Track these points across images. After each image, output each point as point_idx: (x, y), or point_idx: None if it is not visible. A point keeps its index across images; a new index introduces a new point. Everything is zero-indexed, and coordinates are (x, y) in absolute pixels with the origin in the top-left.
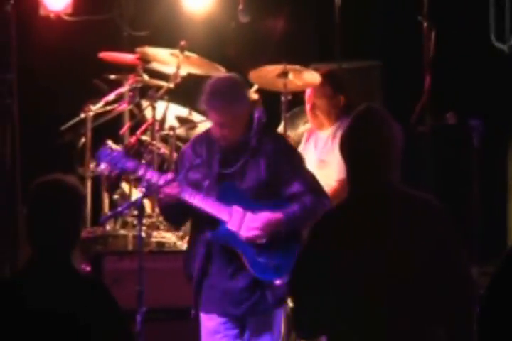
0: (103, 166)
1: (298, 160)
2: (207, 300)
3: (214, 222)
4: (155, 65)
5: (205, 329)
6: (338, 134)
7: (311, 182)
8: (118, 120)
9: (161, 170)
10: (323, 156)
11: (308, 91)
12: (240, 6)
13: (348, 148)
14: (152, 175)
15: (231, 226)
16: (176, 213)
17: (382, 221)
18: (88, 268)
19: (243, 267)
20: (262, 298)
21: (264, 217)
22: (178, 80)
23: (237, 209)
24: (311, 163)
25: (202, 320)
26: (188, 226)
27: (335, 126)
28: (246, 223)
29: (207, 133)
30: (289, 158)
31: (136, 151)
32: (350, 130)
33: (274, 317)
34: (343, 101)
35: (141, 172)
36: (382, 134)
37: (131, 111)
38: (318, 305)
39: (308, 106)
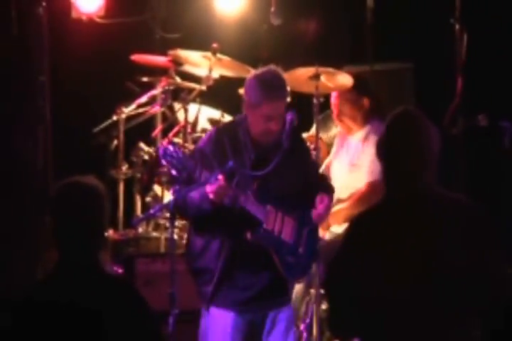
0: (164, 163)
1: (318, 166)
2: (225, 296)
3: (250, 222)
4: (187, 68)
5: (218, 324)
6: (370, 137)
7: (330, 186)
8: (150, 122)
9: None
10: (354, 160)
11: (333, 98)
12: (272, 8)
13: (386, 151)
14: (206, 176)
15: (268, 226)
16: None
17: (419, 222)
18: (120, 270)
19: (267, 264)
20: (283, 292)
21: (326, 198)
22: (211, 82)
23: (271, 209)
24: (342, 167)
25: (214, 314)
26: None
27: (365, 130)
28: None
29: (228, 131)
30: (315, 165)
31: None
32: (387, 133)
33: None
34: (368, 104)
35: (197, 172)
36: (419, 137)
37: (163, 114)
38: (354, 306)
39: (334, 113)
